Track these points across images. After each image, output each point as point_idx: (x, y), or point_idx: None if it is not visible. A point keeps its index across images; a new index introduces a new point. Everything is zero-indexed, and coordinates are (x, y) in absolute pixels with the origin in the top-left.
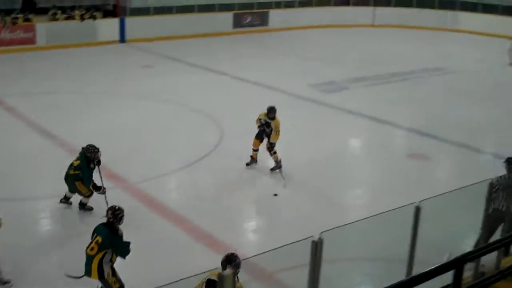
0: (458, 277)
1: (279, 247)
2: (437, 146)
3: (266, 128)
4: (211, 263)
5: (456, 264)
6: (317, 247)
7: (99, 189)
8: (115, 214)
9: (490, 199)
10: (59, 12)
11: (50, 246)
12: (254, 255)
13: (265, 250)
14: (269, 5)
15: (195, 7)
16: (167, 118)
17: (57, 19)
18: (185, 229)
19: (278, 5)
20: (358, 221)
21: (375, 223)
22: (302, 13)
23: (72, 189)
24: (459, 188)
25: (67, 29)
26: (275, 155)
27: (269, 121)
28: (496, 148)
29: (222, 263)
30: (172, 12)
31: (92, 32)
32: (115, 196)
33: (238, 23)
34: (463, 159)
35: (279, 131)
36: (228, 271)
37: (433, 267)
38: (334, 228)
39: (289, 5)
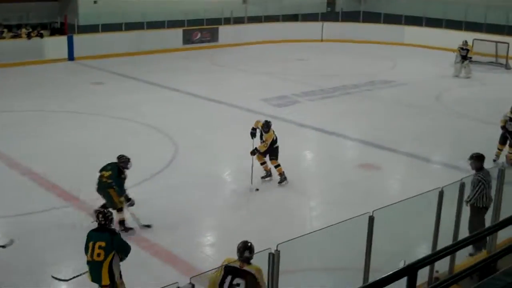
0: (412, 284)
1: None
2: (387, 156)
3: (260, 138)
4: (170, 278)
5: (410, 271)
6: (274, 259)
7: (129, 200)
8: (106, 216)
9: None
10: (5, 30)
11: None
12: (212, 269)
13: (222, 264)
14: (218, 21)
15: (144, 24)
16: (119, 135)
17: (3, 38)
18: (142, 246)
19: (227, 21)
20: (313, 232)
21: (330, 234)
22: (252, 28)
23: (106, 199)
24: (410, 197)
25: (14, 48)
26: (266, 165)
27: (263, 133)
28: (444, 157)
29: (239, 250)
30: (121, 29)
31: (40, 50)
32: (70, 215)
33: (188, 39)
34: (413, 168)
35: (267, 143)
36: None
37: (386, 275)
38: (290, 240)
39: (238, 21)
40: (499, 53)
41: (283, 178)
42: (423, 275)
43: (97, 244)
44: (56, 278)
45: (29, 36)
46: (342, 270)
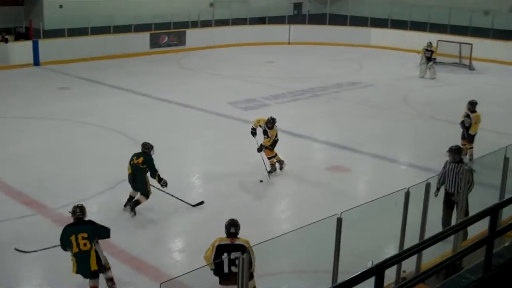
0: (379, 284)
1: (205, 265)
2: (355, 158)
3: (263, 134)
4: (140, 285)
5: (377, 271)
6: (243, 262)
7: (161, 180)
8: (83, 209)
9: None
10: None
11: None
12: (181, 275)
13: (192, 269)
14: (186, 25)
15: (110, 28)
16: (86, 140)
17: None
18: (111, 252)
19: (195, 25)
20: (282, 235)
21: (300, 236)
22: (219, 31)
23: (140, 184)
24: (378, 198)
25: None
26: (272, 159)
27: (267, 129)
28: (410, 158)
29: (226, 227)
30: (87, 33)
31: (4, 56)
32: (35, 223)
33: (155, 43)
34: (380, 169)
35: (272, 139)
36: None
37: (353, 275)
38: (259, 243)
39: (206, 24)
40: (463, 54)
41: (273, 169)
42: (390, 275)
43: (80, 235)
44: (19, 250)
45: None
46: (312, 272)
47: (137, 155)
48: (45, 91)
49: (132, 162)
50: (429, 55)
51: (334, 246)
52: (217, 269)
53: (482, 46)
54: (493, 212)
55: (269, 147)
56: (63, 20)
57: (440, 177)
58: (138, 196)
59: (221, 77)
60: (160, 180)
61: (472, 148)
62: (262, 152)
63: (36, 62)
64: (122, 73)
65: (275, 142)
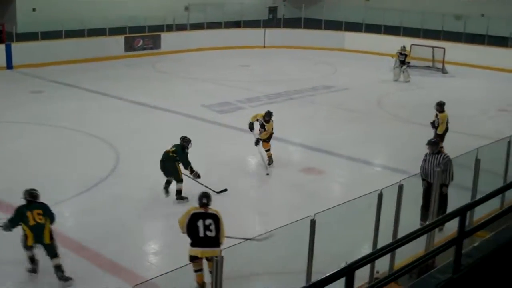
0: (349, 284)
1: (181, 267)
2: (329, 160)
3: (260, 127)
4: (112, 286)
5: (347, 272)
6: (217, 265)
7: (193, 172)
8: (35, 193)
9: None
10: None
11: None
12: (156, 277)
13: (166, 271)
14: (161, 28)
15: (85, 32)
16: (60, 144)
17: None
18: (86, 256)
19: (169, 28)
20: (256, 237)
21: (274, 238)
22: (194, 35)
23: (170, 172)
24: (351, 200)
25: None
26: (269, 151)
27: (264, 123)
28: (384, 160)
29: (199, 198)
30: (61, 37)
31: None
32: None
33: (130, 46)
34: (355, 171)
35: (269, 132)
36: None
37: (324, 276)
38: (233, 245)
39: (180, 28)
40: (436, 58)
41: (271, 161)
42: (364, 276)
43: (35, 211)
44: None
45: None
46: (285, 273)
47: (173, 146)
48: (17, 95)
49: (166, 151)
50: (403, 59)
51: (308, 247)
52: (193, 234)
53: (454, 50)
54: (461, 213)
55: (265, 140)
56: (36, 23)
57: (422, 168)
58: (176, 185)
59: (196, 80)
60: (192, 172)
61: (442, 147)
62: (260, 146)
63: (9, 66)
64: (97, 76)
65: (271, 135)
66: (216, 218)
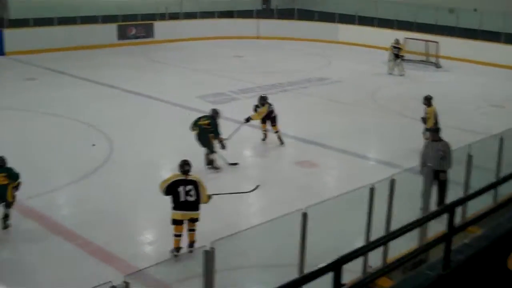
0: (337, 279)
1: (173, 258)
2: (323, 153)
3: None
4: (105, 276)
5: (334, 267)
6: (208, 256)
7: (222, 141)
8: (2, 159)
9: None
10: None
11: None
12: (150, 266)
13: (159, 261)
14: (153, 17)
15: (77, 19)
16: (53, 131)
17: None
18: (77, 244)
19: (162, 17)
20: (249, 229)
21: (266, 231)
22: (187, 25)
23: (205, 143)
24: (343, 194)
25: None
26: (278, 133)
27: (259, 106)
28: (378, 154)
29: (181, 166)
30: (53, 24)
31: None
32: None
33: (122, 35)
34: (348, 165)
35: (261, 113)
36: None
37: (311, 271)
38: (225, 237)
39: (173, 17)
40: (430, 51)
41: (282, 141)
42: (357, 270)
43: (1, 175)
44: None
45: None
46: (278, 266)
47: (205, 117)
48: (11, 82)
49: (198, 122)
50: (397, 52)
51: (300, 240)
52: (174, 199)
53: (448, 44)
54: (450, 209)
55: (273, 124)
56: (29, 10)
57: (422, 156)
58: (209, 156)
59: (190, 70)
60: (220, 141)
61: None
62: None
63: (1, 52)
64: (90, 64)
65: (274, 118)
66: (195, 184)
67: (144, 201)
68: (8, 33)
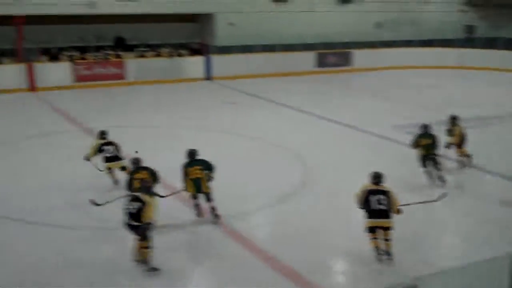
0: None
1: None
2: None
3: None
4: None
5: None
6: None
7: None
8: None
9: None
10: (148, 49)
11: None
12: None
13: None
14: (350, 45)
15: (277, 47)
16: (253, 153)
17: (145, 56)
18: (272, 267)
19: (359, 45)
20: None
21: (471, 273)
22: (385, 53)
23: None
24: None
25: (155, 66)
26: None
27: (451, 128)
28: None
29: (372, 177)
30: (255, 50)
31: (179, 69)
32: (211, 235)
33: (321, 62)
34: None
35: (457, 135)
36: None
37: None
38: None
39: (370, 45)
40: None
41: (469, 162)
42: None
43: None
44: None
45: (170, 55)
46: None
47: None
48: (212, 104)
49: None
50: None
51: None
52: (367, 207)
53: None
54: None
55: (458, 145)
56: (233, 38)
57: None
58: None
59: (382, 99)
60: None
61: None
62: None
63: (208, 77)
64: (287, 90)
65: (462, 140)
66: (387, 194)
67: (339, 229)
68: (214, 59)
